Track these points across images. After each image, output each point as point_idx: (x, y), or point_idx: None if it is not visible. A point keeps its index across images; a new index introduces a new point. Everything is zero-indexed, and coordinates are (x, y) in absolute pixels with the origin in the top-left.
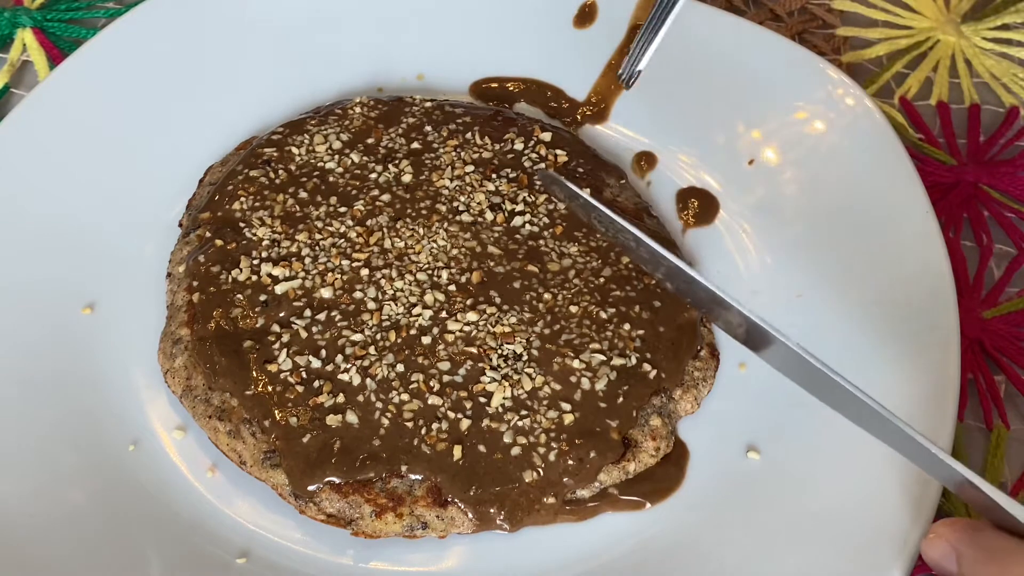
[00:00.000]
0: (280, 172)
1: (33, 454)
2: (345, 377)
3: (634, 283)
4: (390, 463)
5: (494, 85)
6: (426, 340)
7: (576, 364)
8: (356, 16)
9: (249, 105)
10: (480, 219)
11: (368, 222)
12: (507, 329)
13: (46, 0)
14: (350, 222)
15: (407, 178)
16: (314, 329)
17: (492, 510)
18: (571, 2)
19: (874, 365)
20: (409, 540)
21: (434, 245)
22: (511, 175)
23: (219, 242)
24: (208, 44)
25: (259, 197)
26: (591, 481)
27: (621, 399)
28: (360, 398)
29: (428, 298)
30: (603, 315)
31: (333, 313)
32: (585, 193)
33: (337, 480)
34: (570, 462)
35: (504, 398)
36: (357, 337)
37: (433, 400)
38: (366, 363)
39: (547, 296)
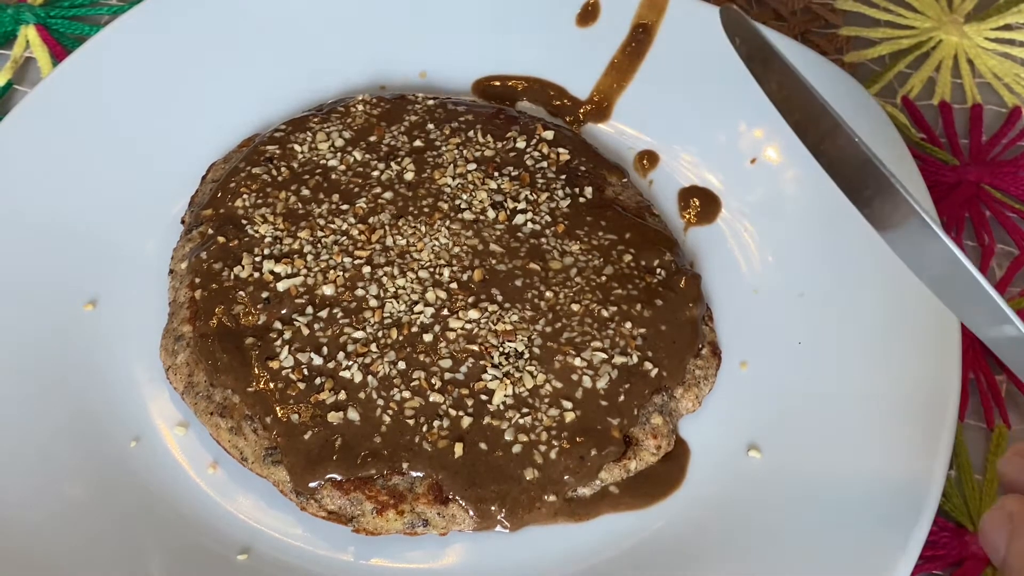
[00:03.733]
0: (283, 169)
1: (35, 450)
2: (347, 374)
3: (636, 281)
4: (391, 460)
5: (496, 83)
6: (428, 337)
7: (577, 362)
8: (359, 14)
9: (252, 102)
10: (482, 217)
11: (370, 219)
12: (508, 327)
13: None
14: (352, 219)
15: (409, 176)
16: (316, 326)
17: (493, 508)
18: (574, 0)
19: (875, 363)
20: (410, 537)
21: (436, 243)
22: (513, 173)
23: (221, 239)
24: (211, 41)
25: (261, 194)
26: (592, 479)
27: (622, 397)
28: (362, 395)
29: (430, 296)
30: (604, 313)
31: (335, 310)
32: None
33: (338, 477)
34: (571, 460)
35: (505, 396)
36: (359, 334)
37: (434, 397)
38: (368, 360)
39: (549, 294)
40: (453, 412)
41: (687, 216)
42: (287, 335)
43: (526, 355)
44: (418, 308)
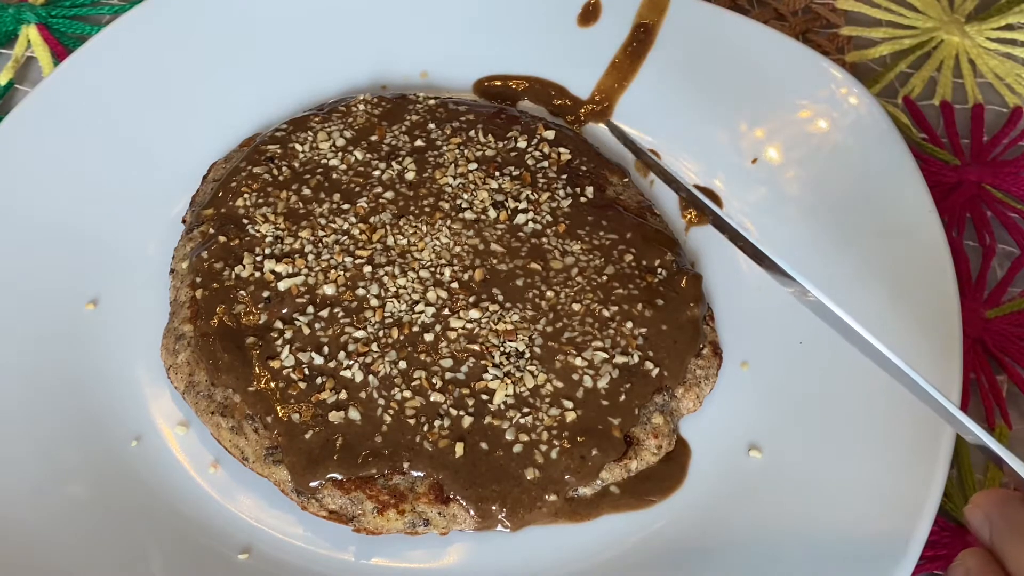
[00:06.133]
0: (284, 169)
1: (36, 449)
2: (348, 374)
3: (637, 281)
4: (392, 460)
5: (498, 83)
6: (428, 337)
7: (578, 362)
8: (360, 13)
9: (253, 102)
10: (483, 217)
11: (371, 219)
12: (509, 326)
13: None
14: (353, 219)
15: (410, 175)
16: (317, 326)
17: (494, 507)
18: (575, 0)
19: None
20: (411, 537)
21: (437, 242)
22: (514, 173)
23: (222, 238)
24: (212, 41)
25: (263, 194)
26: (593, 479)
27: (623, 397)
28: (362, 395)
29: (431, 295)
30: (605, 313)
31: (336, 310)
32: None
33: (339, 476)
34: (572, 460)
35: (506, 395)
36: (360, 334)
37: (435, 397)
38: (368, 360)
39: (550, 294)
40: (454, 412)
41: (688, 216)
42: (288, 334)
43: (527, 355)
44: (419, 308)
